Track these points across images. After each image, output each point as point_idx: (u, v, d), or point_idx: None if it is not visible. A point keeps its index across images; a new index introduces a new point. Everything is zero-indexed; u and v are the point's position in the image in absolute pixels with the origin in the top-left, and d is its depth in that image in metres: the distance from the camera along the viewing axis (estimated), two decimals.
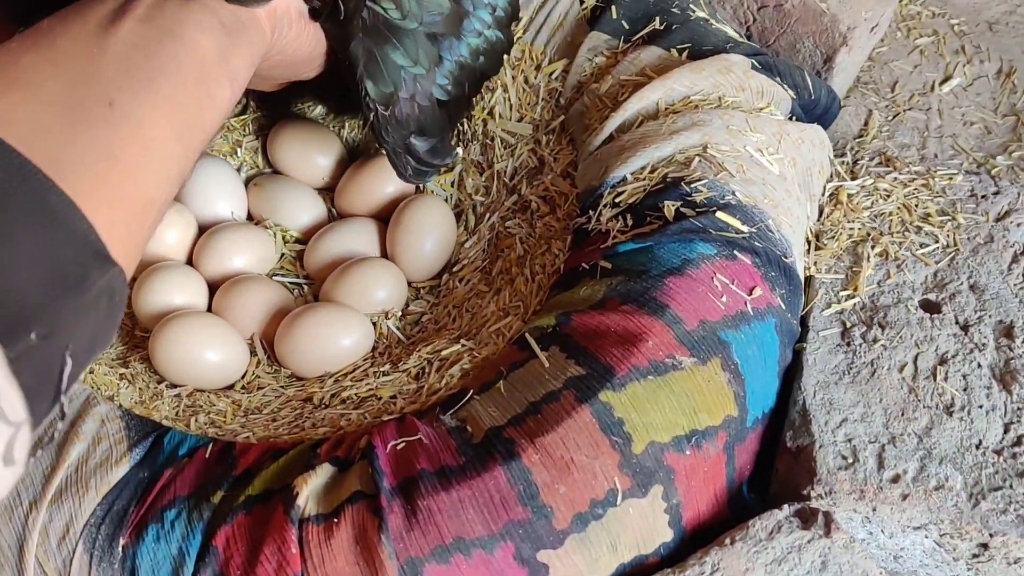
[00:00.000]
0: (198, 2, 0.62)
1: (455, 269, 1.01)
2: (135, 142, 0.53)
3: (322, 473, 0.72)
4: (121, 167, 0.51)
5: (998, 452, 0.79)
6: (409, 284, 1.02)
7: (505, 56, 0.95)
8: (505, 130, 1.05)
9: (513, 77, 1.06)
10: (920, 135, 1.23)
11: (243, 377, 0.92)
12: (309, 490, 0.70)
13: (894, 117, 1.23)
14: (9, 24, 0.72)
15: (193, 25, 0.60)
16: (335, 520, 0.68)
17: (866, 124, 1.22)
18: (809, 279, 0.93)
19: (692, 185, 0.86)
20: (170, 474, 0.74)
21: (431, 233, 1.01)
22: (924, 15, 1.35)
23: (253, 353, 0.94)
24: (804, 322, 0.89)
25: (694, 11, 1.03)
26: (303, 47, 0.77)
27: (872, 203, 0.99)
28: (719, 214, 0.83)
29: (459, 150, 0.97)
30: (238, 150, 1.10)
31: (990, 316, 0.88)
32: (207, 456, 0.76)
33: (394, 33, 0.80)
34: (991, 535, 0.74)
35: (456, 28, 0.86)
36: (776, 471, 0.83)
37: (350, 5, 0.75)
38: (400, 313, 0.98)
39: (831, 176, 1.01)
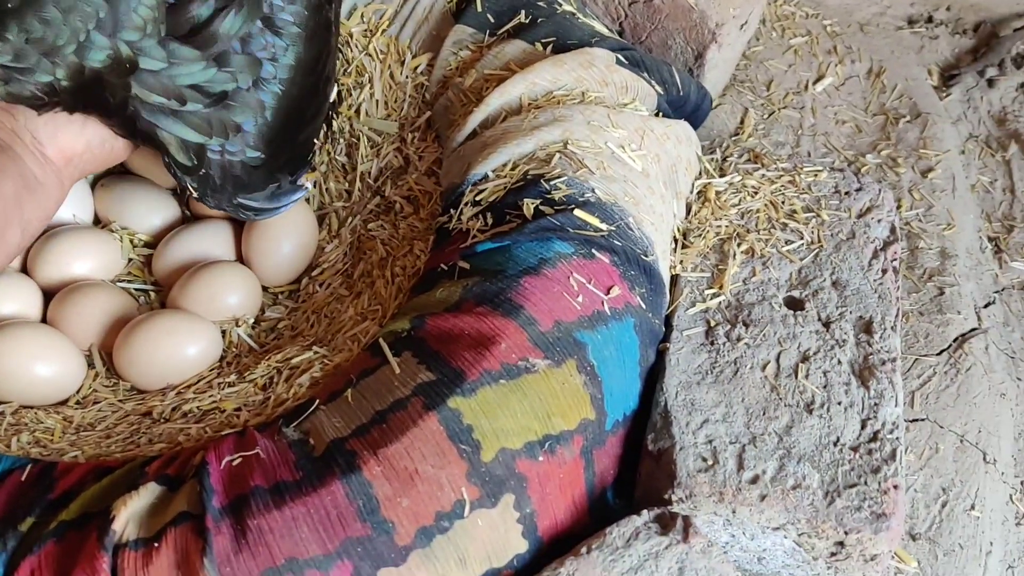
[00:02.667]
0: (7, 152, 0.71)
1: (315, 273, 0.96)
2: None
3: (146, 494, 0.67)
4: None
5: (855, 449, 0.78)
6: (266, 289, 0.96)
7: (331, 43, 0.89)
8: (372, 128, 1.01)
9: (381, 72, 1.02)
10: (794, 133, 1.23)
11: (78, 391, 0.85)
12: (128, 513, 0.65)
13: (769, 115, 1.24)
14: None
15: None
16: (155, 544, 0.63)
17: (742, 122, 1.22)
18: (675, 278, 0.91)
19: (551, 182, 0.83)
20: None
21: (290, 236, 0.96)
22: (798, 15, 1.36)
23: (91, 365, 0.87)
24: (668, 321, 0.87)
25: (560, 5, 1.01)
26: (114, 152, 0.84)
27: (740, 200, 0.98)
28: (577, 212, 0.81)
29: (308, 184, 0.92)
30: None
31: (851, 312, 0.88)
32: (22, 479, 0.70)
33: (177, 116, 0.78)
34: (846, 532, 0.73)
35: (253, 81, 0.80)
36: (639, 475, 0.81)
37: (116, 97, 0.75)
38: (253, 320, 0.92)
39: (700, 173, 1.00)
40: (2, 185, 0.68)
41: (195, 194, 0.84)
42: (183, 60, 0.76)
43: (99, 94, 0.75)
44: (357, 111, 1.02)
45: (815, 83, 1.27)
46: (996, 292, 1.12)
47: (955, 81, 1.32)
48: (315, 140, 0.91)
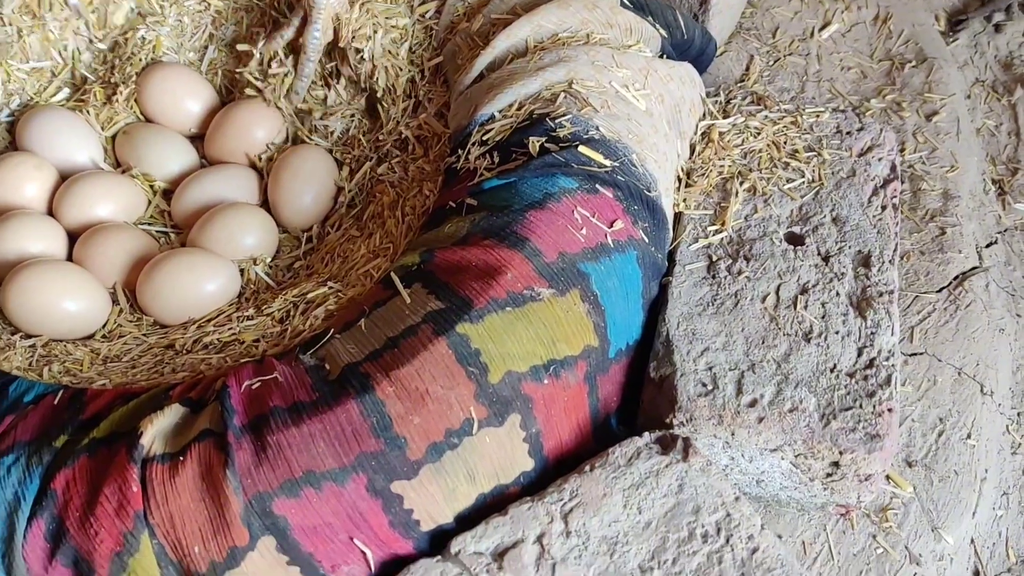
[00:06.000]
0: None
1: (328, 219, 0.99)
2: None
3: (171, 414, 0.70)
4: None
5: (851, 375, 0.81)
6: (286, 231, 1.00)
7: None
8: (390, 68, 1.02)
9: (387, 19, 1.04)
10: (799, 79, 1.24)
11: (104, 326, 0.89)
12: (155, 431, 0.69)
13: (775, 62, 1.25)
14: None
15: None
16: (181, 458, 0.67)
17: (747, 69, 1.23)
18: (678, 215, 0.93)
19: (556, 120, 0.85)
20: (12, 420, 0.72)
21: (312, 184, 0.99)
22: None
23: (115, 302, 0.91)
24: (672, 256, 0.90)
25: None
26: None
27: (743, 141, 1.00)
28: (581, 148, 0.83)
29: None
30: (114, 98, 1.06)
31: (850, 247, 0.90)
32: (55, 402, 0.74)
33: None
34: (841, 453, 0.76)
35: None
36: (642, 402, 0.84)
37: None
38: (270, 259, 0.96)
39: (703, 114, 1.02)
40: None
41: None
42: None
43: None
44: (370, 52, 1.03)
45: (821, 30, 1.28)
46: (999, 232, 1.13)
47: (962, 26, 1.32)
48: None
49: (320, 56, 1.01)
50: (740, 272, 0.88)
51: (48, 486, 0.66)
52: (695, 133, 1.00)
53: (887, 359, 0.82)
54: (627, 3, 0.98)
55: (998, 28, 1.32)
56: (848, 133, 1.01)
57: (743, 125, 1.01)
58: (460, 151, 0.89)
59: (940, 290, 1.02)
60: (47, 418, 0.72)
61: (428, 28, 1.02)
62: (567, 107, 0.87)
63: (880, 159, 0.98)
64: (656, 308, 0.87)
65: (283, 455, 0.67)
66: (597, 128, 0.85)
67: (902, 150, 1.13)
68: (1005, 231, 1.14)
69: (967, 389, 0.95)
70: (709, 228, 0.92)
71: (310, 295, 0.86)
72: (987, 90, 1.28)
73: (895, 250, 0.91)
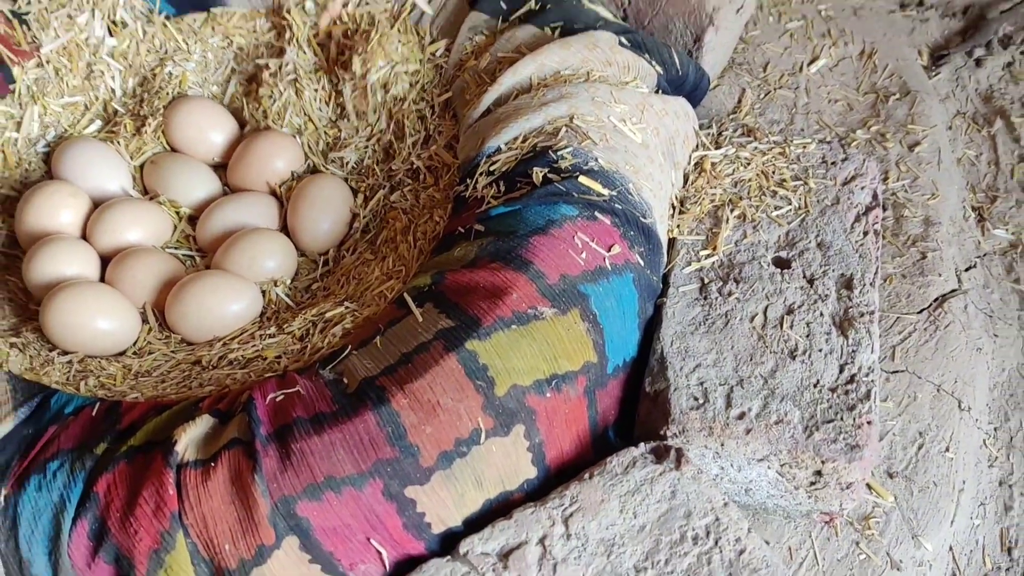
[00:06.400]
0: None
1: (344, 243, 1.06)
2: None
3: (202, 424, 0.76)
4: None
5: (833, 390, 0.87)
6: (304, 255, 1.06)
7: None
8: (403, 104, 1.09)
9: (405, 58, 1.11)
10: (789, 111, 1.31)
11: (135, 344, 0.95)
12: (188, 439, 0.74)
13: (765, 95, 1.31)
14: None
15: None
16: (212, 464, 0.72)
17: (739, 101, 1.30)
18: (672, 240, 1.00)
19: (558, 152, 0.92)
20: (55, 430, 0.77)
21: (328, 211, 1.05)
22: (794, 1, 1.44)
23: (145, 321, 0.97)
24: (666, 279, 0.96)
25: None
26: None
27: (734, 171, 1.06)
28: (582, 178, 0.89)
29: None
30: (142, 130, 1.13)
31: (833, 270, 0.97)
32: (93, 414, 0.80)
33: None
34: (823, 462, 0.82)
35: None
36: (638, 415, 0.89)
37: None
38: (289, 281, 1.02)
39: (696, 146, 1.08)
40: None
41: None
42: None
43: None
44: (384, 87, 1.10)
45: (809, 64, 1.35)
46: (978, 257, 1.19)
47: (944, 61, 1.39)
48: None
49: None
50: (730, 294, 0.94)
51: (91, 489, 0.72)
52: (689, 163, 1.07)
53: (867, 375, 0.88)
54: (625, 42, 1.05)
55: (978, 63, 1.39)
56: (833, 163, 1.07)
57: (734, 156, 1.08)
58: (468, 180, 0.96)
59: (921, 311, 1.08)
60: (87, 428, 0.78)
61: (438, 66, 1.09)
62: (568, 140, 0.93)
63: (863, 188, 1.04)
64: (651, 327, 0.93)
65: (306, 461, 0.72)
66: (596, 160, 0.92)
67: (885, 179, 1.19)
68: (984, 256, 1.20)
69: (946, 405, 1.00)
70: (701, 252, 0.99)
71: (328, 314, 0.92)
72: (968, 122, 1.34)
73: (876, 273, 0.97)
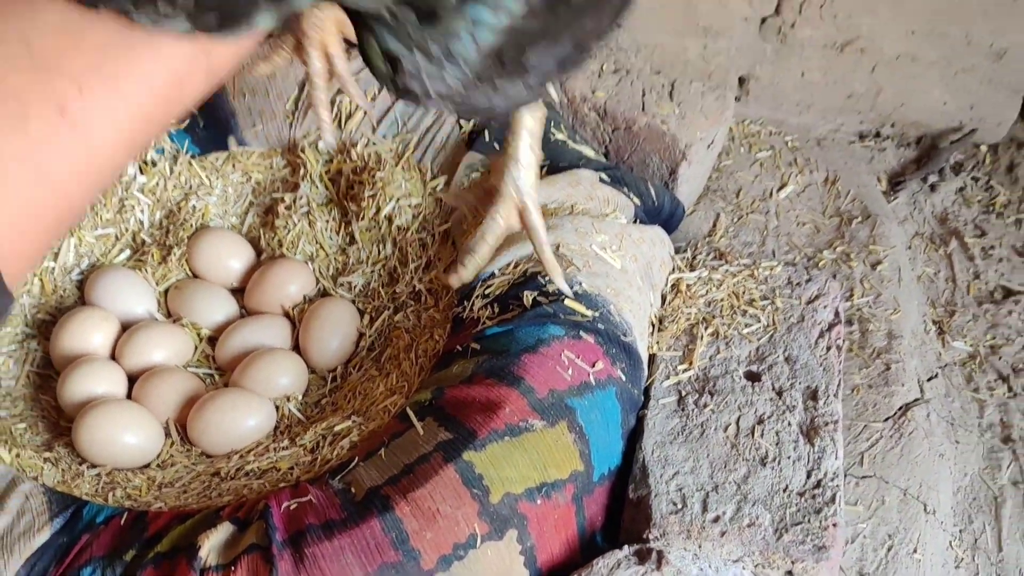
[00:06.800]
0: None
1: (351, 361, 1.15)
2: (80, 158, 0.42)
3: (223, 531, 0.84)
4: (50, 186, 0.42)
5: (801, 494, 0.94)
6: (314, 372, 1.15)
7: None
8: (406, 234, 1.21)
9: (409, 192, 1.23)
10: (760, 234, 1.43)
11: (158, 456, 1.03)
12: (210, 545, 0.82)
13: (739, 219, 1.43)
14: None
15: None
16: (232, 568, 0.79)
17: (714, 225, 1.42)
18: (652, 356, 1.09)
19: (546, 278, 1.02)
20: (87, 539, 0.85)
21: (336, 331, 1.15)
22: (763, 133, 1.58)
23: (168, 435, 1.05)
24: (647, 392, 1.05)
25: (554, 134, 1.22)
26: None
27: (707, 291, 1.16)
28: (567, 301, 0.99)
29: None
30: (168, 257, 1.23)
31: (800, 382, 1.05)
32: (122, 523, 0.87)
33: None
34: (793, 562, 0.89)
35: None
36: (623, 521, 0.97)
37: None
38: (301, 397, 1.10)
39: (673, 269, 1.19)
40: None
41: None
42: None
43: None
44: (389, 219, 1.22)
45: (779, 190, 1.48)
46: (939, 368, 1.29)
47: (901, 187, 1.52)
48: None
49: None
50: (706, 405, 1.03)
51: None
52: (666, 285, 1.17)
53: (832, 480, 0.96)
54: (605, 178, 1.17)
55: (933, 188, 1.51)
56: (798, 284, 1.18)
57: (707, 277, 1.18)
58: (466, 302, 1.06)
59: (886, 419, 1.16)
60: (116, 536, 0.85)
61: (438, 200, 1.20)
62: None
63: (825, 306, 1.14)
64: (634, 437, 1.01)
65: (318, 565, 0.79)
66: (580, 284, 1.02)
67: (851, 296, 1.30)
68: (944, 366, 1.29)
69: (912, 508, 1.07)
70: (679, 367, 1.08)
71: (336, 428, 1.00)
72: (925, 242, 1.46)
73: (839, 385, 1.06)
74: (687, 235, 1.37)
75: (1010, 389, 1.26)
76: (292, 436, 1.03)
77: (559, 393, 0.93)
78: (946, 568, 1.07)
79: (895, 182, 1.54)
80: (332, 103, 1.28)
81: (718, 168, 1.50)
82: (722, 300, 1.15)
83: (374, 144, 1.25)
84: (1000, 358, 1.29)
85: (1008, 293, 1.37)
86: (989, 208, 1.49)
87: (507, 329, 0.99)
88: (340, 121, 1.27)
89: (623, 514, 0.97)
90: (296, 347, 1.17)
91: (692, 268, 1.20)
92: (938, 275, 1.41)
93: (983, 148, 1.55)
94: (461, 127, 1.25)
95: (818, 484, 0.96)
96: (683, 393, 1.04)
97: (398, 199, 1.20)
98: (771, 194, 1.47)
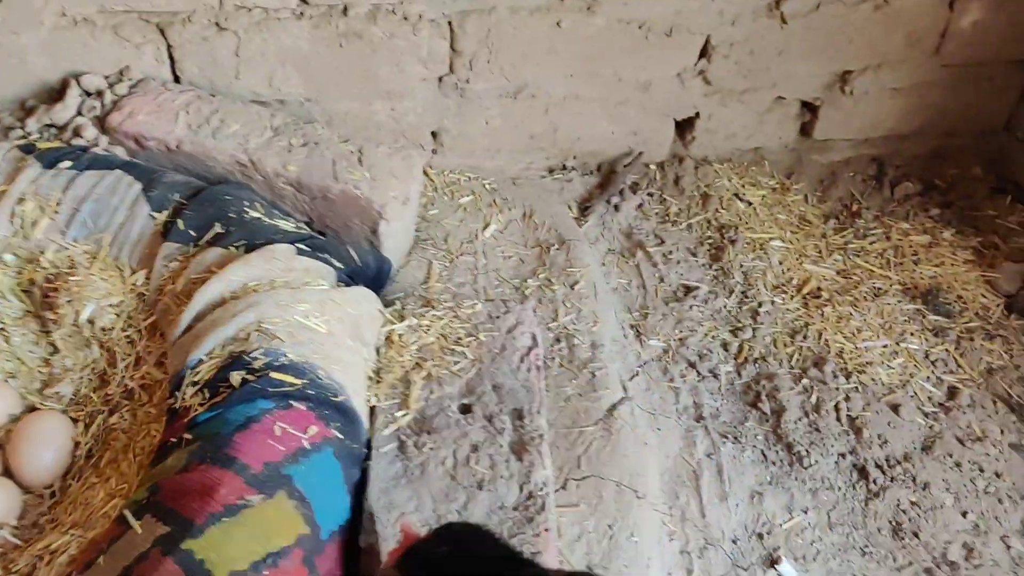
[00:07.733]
0: None
1: (69, 472, 1.12)
2: None
3: None
4: None
5: (516, 508, 1.03)
6: (30, 492, 1.11)
7: None
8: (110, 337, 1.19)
9: (109, 292, 1.21)
10: (472, 273, 1.53)
11: None
12: None
13: (451, 263, 1.53)
14: None
15: None
16: None
17: (428, 273, 1.50)
18: (373, 409, 1.15)
19: (252, 355, 1.05)
20: None
21: (48, 444, 1.11)
22: (462, 180, 1.69)
23: None
24: (370, 444, 1.10)
25: (249, 212, 1.26)
26: None
27: (417, 338, 1.24)
28: (273, 374, 1.03)
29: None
30: None
31: (507, 406, 1.15)
32: None
33: None
34: None
35: None
36: (360, 566, 1.01)
37: None
38: (16, 521, 1.06)
39: (384, 323, 1.26)
40: None
41: None
42: None
43: None
44: (90, 321, 1.20)
45: (483, 230, 1.59)
46: (639, 366, 1.44)
47: (590, 211, 1.69)
48: None
49: None
50: (424, 444, 1.10)
51: None
52: (379, 339, 1.24)
53: (541, 489, 1.06)
54: (304, 248, 1.22)
55: (617, 208, 1.69)
56: (497, 316, 1.28)
57: (416, 325, 1.26)
58: (177, 392, 1.06)
59: (597, 422, 1.29)
60: None
61: (140, 295, 1.20)
62: (259, 343, 1.07)
63: (523, 333, 1.26)
64: (361, 488, 1.06)
65: None
66: (286, 355, 1.06)
67: (555, 316, 1.42)
68: (644, 364, 1.45)
69: (626, 497, 1.20)
70: (397, 413, 1.14)
71: (53, 545, 0.98)
72: (616, 256, 1.63)
73: (541, 402, 1.17)
74: (404, 286, 1.45)
75: (698, 374, 1.44)
76: (6, 564, 0.98)
77: (274, 464, 0.96)
78: (660, 543, 1.20)
79: (584, 207, 1.71)
80: (12, 214, 1.25)
81: (425, 218, 1.60)
82: (432, 343, 1.24)
83: (65, 249, 1.23)
84: (688, 348, 1.47)
85: (688, 290, 1.56)
86: (665, 218, 1.69)
87: (217, 412, 1.01)
88: (24, 230, 1.24)
89: (359, 560, 1.02)
90: (6, 470, 1.12)
91: (402, 318, 1.28)
92: (630, 284, 1.58)
93: (652, 167, 1.76)
94: (154, 218, 1.26)
95: (530, 496, 1.05)
96: (403, 438, 1.11)
97: (98, 300, 1.18)
98: (477, 235, 1.59)
